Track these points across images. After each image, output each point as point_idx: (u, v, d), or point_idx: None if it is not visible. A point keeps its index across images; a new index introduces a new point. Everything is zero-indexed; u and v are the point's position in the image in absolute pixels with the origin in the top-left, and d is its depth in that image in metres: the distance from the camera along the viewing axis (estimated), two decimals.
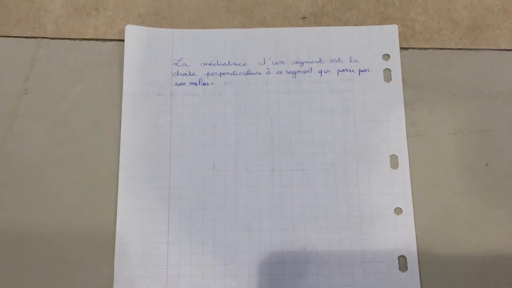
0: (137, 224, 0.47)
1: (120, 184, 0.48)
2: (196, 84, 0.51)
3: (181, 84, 0.51)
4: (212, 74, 0.51)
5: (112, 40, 0.52)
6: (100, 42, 0.52)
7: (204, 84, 0.51)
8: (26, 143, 0.49)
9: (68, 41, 0.52)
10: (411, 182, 0.49)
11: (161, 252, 0.47)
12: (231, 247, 0.47)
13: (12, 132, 0.49)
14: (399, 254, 0.47)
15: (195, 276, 0.47)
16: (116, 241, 0.47)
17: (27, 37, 0.52)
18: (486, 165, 0.49)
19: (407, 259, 0.46)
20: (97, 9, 0.53)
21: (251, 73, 0.51)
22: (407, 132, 0.50)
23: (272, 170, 0.49)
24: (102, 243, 0.47)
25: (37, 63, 0.52)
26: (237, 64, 0.51)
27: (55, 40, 0.52)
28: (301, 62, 0.51)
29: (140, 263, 0.47)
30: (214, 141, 0.49)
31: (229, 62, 0.52)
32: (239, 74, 0.51)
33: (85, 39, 0.52)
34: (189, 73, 0.51)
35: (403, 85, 0.51)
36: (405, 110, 0.50)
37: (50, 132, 0.49)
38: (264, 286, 0.46)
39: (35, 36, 0.52)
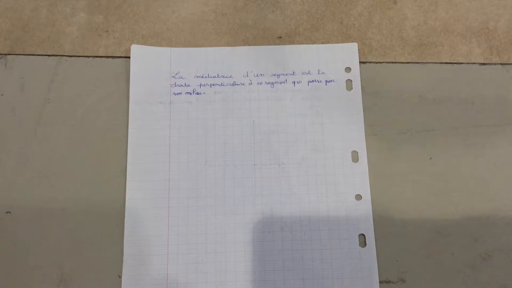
0: (143, 211, 0.50)
1: (128, 177, 0.51)
2: (190, 94, 0.53)
3: (178, 93, 0.53)
4: (204, 85, 0.54)
5: (120, 57, 0.55)
6: (110, 59, 0.55)
7: (197, 93, 0.54)
8: (48, 145, 0.52)
9: (83, 58, 0.55)
10: (369, 173, 0.51)
11: (163, 234, 0.50)
12: (221, 229, 0.50)
13: (37, 136, 0.52)
14: (359, 233, 0.50)
15: (191, 253, 0.50)
16: (125, 225, 0.50)
17: (48, 55, 0.55)
18: (430, 158, 0.52)
19: (366, 236, 0.49)
20: (107, 31, 0.55)
21: (236, 84, 0.54)
22: (365, 131, 0.52)
23: (254, 164, 0.52)
24: (113, 227, 0.50)
25: (57, 77, 0.54)
26: (225, 76, 0.54)
27: (72, 57, 0.55)
28: (277, 75, 0.54)
29: (145, 243, 0.50)
30: (206, 140, 0.52)
31: (218, 75, 0.54)
32: (226, 85, 0.54)
33: (97, 57, 0.55)
34: (185, 84, 0.54)
35: (362, 92, 0.53)
36: (364, 113, 0.53)
37: (69, 135, 0.52)
38: (247, 260, 0.49)
39: (55, 54, 0.55)
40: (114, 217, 0.50)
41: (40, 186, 0.51)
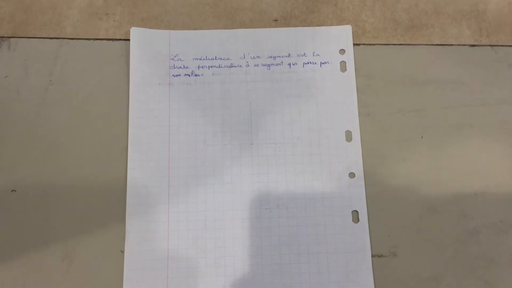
0: (144, 189, 0.49)
1: (129, 157, 0.50)
2: (189, 76, 0.52)
3: (177, 75, 0.52)
4: (202, 67, 0.53)
5: (120, 39, 0.53)
6: (110, 42, 0.53)
7: (196, 75, 0.52)
8: (52, 125, 0.51)
9: (84, 41, 0.53)
10: (362, 152, 0.50)
11: (164, 211, 0.49)
12: (219, 206, 0.49)
13: (41, 116, 0.51)
14: (352, 209, 0.49)
15: (190, 229, 0.49)
16: (127, 202, 0.49)
17: (50, 38, 0.53)
18: (421, 137, 0.51)
19: (359, 213, 0.49)
20: (107, 14, 0.54)
21: (234, 66, 0.53)
22: (359, 112, 0.51)
23: (251, 144, 0.51)
24: (116, 205, 0.49)
25: (59, 59, 0.53)
26: (222, 58, 0.53)
27: (74, 40, 0.53)
28: (274, 57, 0.53)
29: (147, 220, 0.49)
30: (204, 121, 0.51)
31: (215, 57, 0.53)
32: (224, 67, 0.53)
33: (98, 39, 0.53)
34: (184, 66, 0.53)
35: (356, 74, 0.52)
36: (357, 94, 0.52)
37: (72, 116, 0.51)
38: (245, 236, 0.49)
39: (57, 37, 0.53)
40: (117, 195, 0.49)
41: (44, 166, 0.50)
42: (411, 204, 0.49)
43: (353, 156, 0.50)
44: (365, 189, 0.50)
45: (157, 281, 0.48)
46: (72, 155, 0.50)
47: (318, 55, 0.53)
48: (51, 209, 0.49)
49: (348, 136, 0.51)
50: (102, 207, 0.49)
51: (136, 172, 0.49)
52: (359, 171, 0.50)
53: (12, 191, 0.49)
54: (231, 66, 0.53)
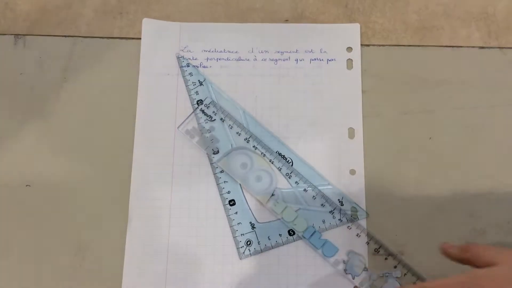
0: (148, 175, 0.52)
1: (135, 143, 0.52)
2: (197, 67, 0.54)
3: (185, 66, 0.54)
4: (210, 59, 0.55)
5: (133, 38, 0.56)
6: (123, 40, 0.56)
7: (204, 67, 0.55)
8: (65, 121, 0.53)
9: (98, 39, 0.56)
10: (368, 151, 0.52)
11: (166, 197, 0.51)
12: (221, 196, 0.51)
13: (55, 113, 0.53)
14: (352, 205, 0.51)
15: (192, 217, 0.51)
16: (130, 189, 0.51)
17: (65, 36, 0.56)
18: (430, 138, 0.52)
19: (357, 209, 0.50)
20: (121, 13, 0.56)
21: (241, 60, 0.55)
22: (367, 112, 0.53)
23: (255, 136, 0.52)
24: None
25: (74, 56, 0.55)
26: (231, 51, 0.55)
27: (88, 38, 0.56)
28: (281, 52, 0.55)
29: (150, 205, 0.51)
30: None
31: (224, 50, 0.55)
32: (232, 60, 0.55)
33: (111, 38, 0.56)
34: (192, 58, 0.55)
35: (365, 75, 0.54)
36: (366, 94, 0.54)
37: (85, 113, 0.54)
38: (244, 218, 0.50)
39: (72, 35, 0.56)
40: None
41: (58, 161, 0.52)
42: (419, 204, 0.51)
43: (355, 153, 0.52)
44: (373, 188, 0.51)
45: (157, 267, 0.50)
46: (85, 151, 0.53)
47: (325, 52, 0.55)
48: (64, 204, 0.51)
49: (351, 133, 0.53)
50: (114, 200, 0.51)
51: (142, 159, 0.52)
52: (360, 168, 0.52)
53: (26, 186, 0.52)
54: (239, 59, 0.55)
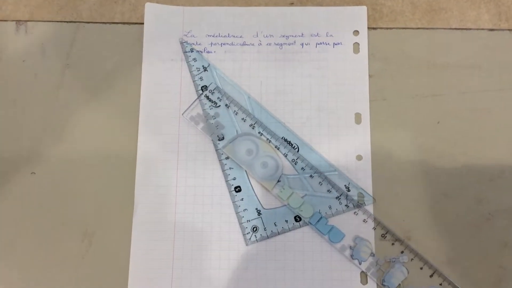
0: (153, 162, 0.52)
1: (140, 130, 0.52)
2: (201, 52, 0.54)
3: (189, 51, 0.54)
4: (214, 44, 0.54)
5: (135, 23, 0.55)
6: (125, 25, 0.55)
7: (208, 52, 0.54)
8: (69, 108, 0.53)
9: (100, 24, 0.55)
10: (375, 136, 0.52)
11: (171, 184, 0.51)
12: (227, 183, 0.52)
13: (58, 99, 0.53)
14: (358, 191, 0.51)
15: (197, 204, 0.51)
16: (136, 174, 0.51)
17: (67, 22, 0.55)
18: (438, 123, 0.52)
19: (364, 195, 0.50)
20: None
21: (246, 44, 0.54)
22: (374, 97, 0.53)
23: (261, 121, 0.52)
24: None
25: (76, 42, 0.55)
26: (235, 36, 0.55)
27: (90, 23, 0.55)
28: (286, 36, 0.54)
29: (155, 193, 0.51)
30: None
31: (228, 34, 0.55)
32: (236, 44, 0.54)
33: (114, 23, 0.55)
34: (196, 43, 0.54)
35: (372, 58, 0.54)
36: (373, 78, 0.53)
37: (88, 98, 0.53)
38: (250, 204, 0.51)
39: (73, 20, 0.55)
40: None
41: (62, 147, 0.52)
42: (426, 189, 0.51)
43: (361, 138, 0.52)
44: (380, 173, 0.51)
45: (163, 253, 0.50)
46: (89, 137, 0.52)
47: (332, 35, 0.54)
48: (69, 191, 0.51)
49: (358, 119, 0.52)
50: (120, 186, 0.51)
51: (146, 145, 0.52)
52: (366, 154, 0.51)
53: (31, 173, 0.52)
54: (244, 44, 0.54)
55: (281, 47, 0.54)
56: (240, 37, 0.55)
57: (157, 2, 0.56)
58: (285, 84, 0.53)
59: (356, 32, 0.54)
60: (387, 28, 0.55)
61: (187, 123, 0.52)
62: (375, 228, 0.50)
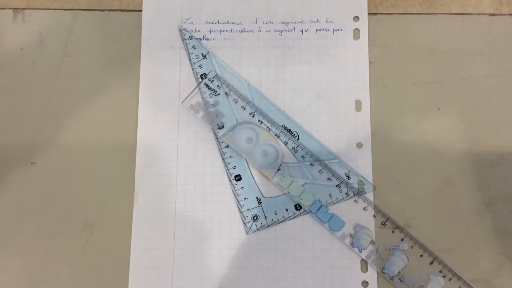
0: (152, 151, 0.52)
1: (139, 119, 0.52)
2: (200, 39, 0.54)
3: (188, 39, 0.54)
4: (213, 31, 0.54)
5: (134, 10, 0.55)
6: (124, 12, 0.55)
7: (207, 39, 0.54)
8: (68, 96, 0.53)
9: (98, 12, 0.55)
10: (375, 123, 0.52)
11: (171, 173, 0.51)
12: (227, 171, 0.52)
13: (57, 88, 0.53)
14: (358, 179, 0.51)
15: (197, 193, 0.51)
16: (136, 163, 0.51)
17: (65, 9, 0.55)
18: (438, 109, 0.52)
19: (364, 182, 0.51)
20: None
21: (245, 31, 0.54)
22: (375, 83, 0.53)
23: (261, 109, 0.52)
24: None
25: (74, 31, 0.55)
26: (234, 23, 0.54)
27: (88, 11, 0.55)
28: (286, 23, 0.54)
29: (155, 182, 0.51)
30: None
31: (227, 21, 0.54)
32: (236, 31, 0.54)
33: (112, 10, 0.55)
34: (195, 30, 0.54)
35: (373, 44, 0.54)
36: (374, 65, 0.53)
37: (87, 87, 0.53)
38: (250, 193, 0.51)
39: (71, 8, 0.55)
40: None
41: (62, 137, 0.52)
42: (427, 177, 0.51)
43: (361, 126, 0.52)
44: (380, 161, 0.51)
45: (164, 242, 0.50)
46: (89, 126, 0.52)
47: (332, 22, 0.54)
48: (70, 181, 0.52)
49: (358, 106, 0.52)
50: (120, 176, 0.51)
51: (146, 135, 0.52)
52: (367, 141, 0.52)
53: (31, 163, 0.52)
54: (243, 31, 0.54)
55: (280, 34, 0.54)
56: (240, 24, 0.54)
57: None
58: (285, 71, 0.53)
59: (356, 18, 0.54)
60: (387, 14, 0.54)
61: (186, 111, 0.52)
62: (375, 216, 0.50)
